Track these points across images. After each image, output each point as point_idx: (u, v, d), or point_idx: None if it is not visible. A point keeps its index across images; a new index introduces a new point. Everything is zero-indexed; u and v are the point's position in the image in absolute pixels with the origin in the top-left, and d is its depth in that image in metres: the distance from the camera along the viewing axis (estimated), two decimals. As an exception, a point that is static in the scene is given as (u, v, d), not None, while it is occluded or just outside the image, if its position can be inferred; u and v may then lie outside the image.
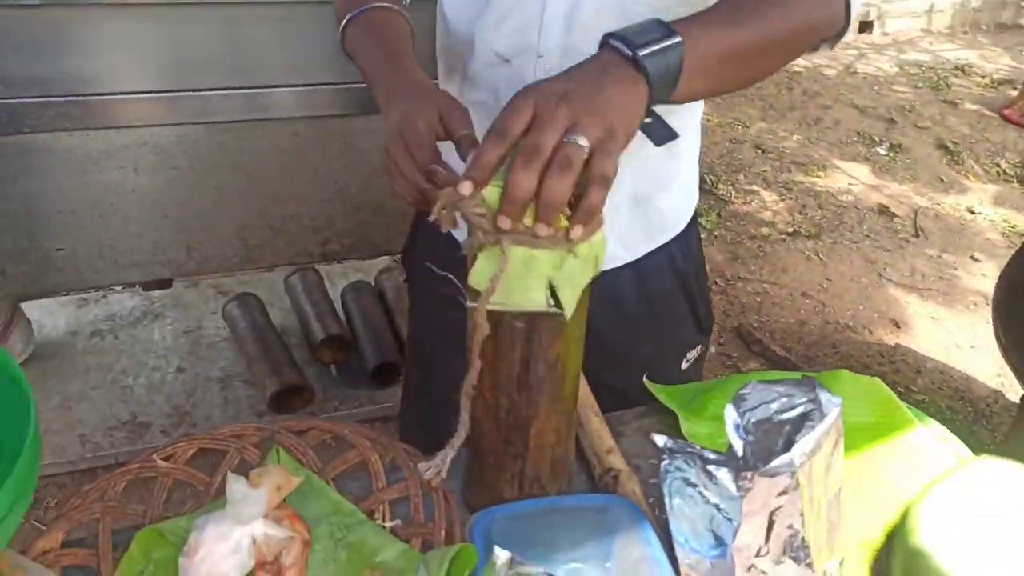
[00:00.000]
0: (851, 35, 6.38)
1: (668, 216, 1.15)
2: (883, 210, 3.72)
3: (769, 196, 3.81)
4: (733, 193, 3.78)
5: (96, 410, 2.09)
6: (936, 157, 4.31)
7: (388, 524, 0.79)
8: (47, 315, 2.38)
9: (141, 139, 1.61)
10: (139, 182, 1.65)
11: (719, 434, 1.02)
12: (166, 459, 0.83)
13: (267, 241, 1.81)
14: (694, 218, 1.21)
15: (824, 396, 0.73)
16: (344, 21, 0.95)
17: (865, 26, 6.30)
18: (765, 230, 3.50)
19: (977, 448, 1.04)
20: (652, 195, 1.11)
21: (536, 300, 0.67)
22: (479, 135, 1.01)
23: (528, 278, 0.66)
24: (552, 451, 0.83)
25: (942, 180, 4.06)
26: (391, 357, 2.24)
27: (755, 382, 0.75)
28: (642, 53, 0.67)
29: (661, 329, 1.22)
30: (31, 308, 2.32)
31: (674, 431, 1.02)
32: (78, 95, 1.53)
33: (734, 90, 0.84)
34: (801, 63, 5.56)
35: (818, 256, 3.34)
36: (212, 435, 0.86)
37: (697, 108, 1.13)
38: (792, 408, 0.74)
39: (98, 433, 2.03)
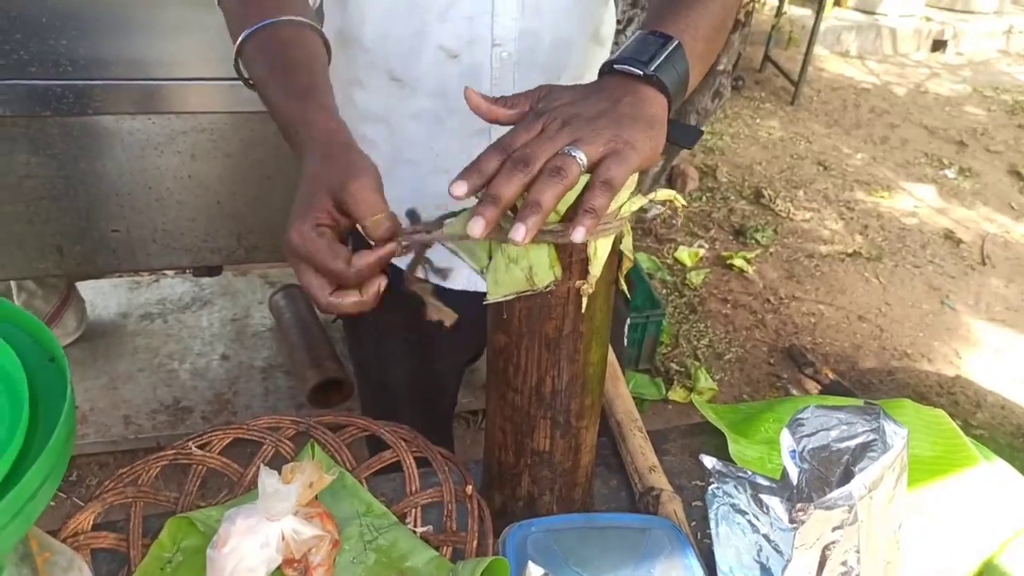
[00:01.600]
0: (923, 54, 6.20)
1: None
2: (949, 235, 3.58)
3: (829, 214, 3.70)
4: (791, 209, 3.68)
5: (141, 392, 2.12)
6: (1007, 183, 4.14)
7: (419, 529, 0.77)
8: (100, 296, 2.42)
9: (200, 126, 1.62)
10: (195, 168, 1.66)
11: (769, 458, 0.98)
12: (202, 447, 0.82)
13: (317, 233, 1.81)
14: None
15: (889, 426, 0.69)
16: (241, 37, 0.75)
17: (939, 45, 6.10)
18: (823, 249, 3.40)
19: None
20: None
21: (517, 279, 0.65)
22: (423, 148, 0.97)
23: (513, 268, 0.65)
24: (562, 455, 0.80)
25: (1012, 207, 3.90)
26: (433, 357, 2.22)
27: (814, 407, 0.71)
28: (654, 67, 0.66)
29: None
30: (85, 288, 2.37)
31: (721, 452, 0.98)
32: (143, 79, 1.54)
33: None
34: (869, 80, 5.41)
35: (878, 279, 3.23)
36: (248, 426, 0.84)
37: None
38: (853, 437, 0.69)
39: (142, 415, 2.06)
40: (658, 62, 0.66)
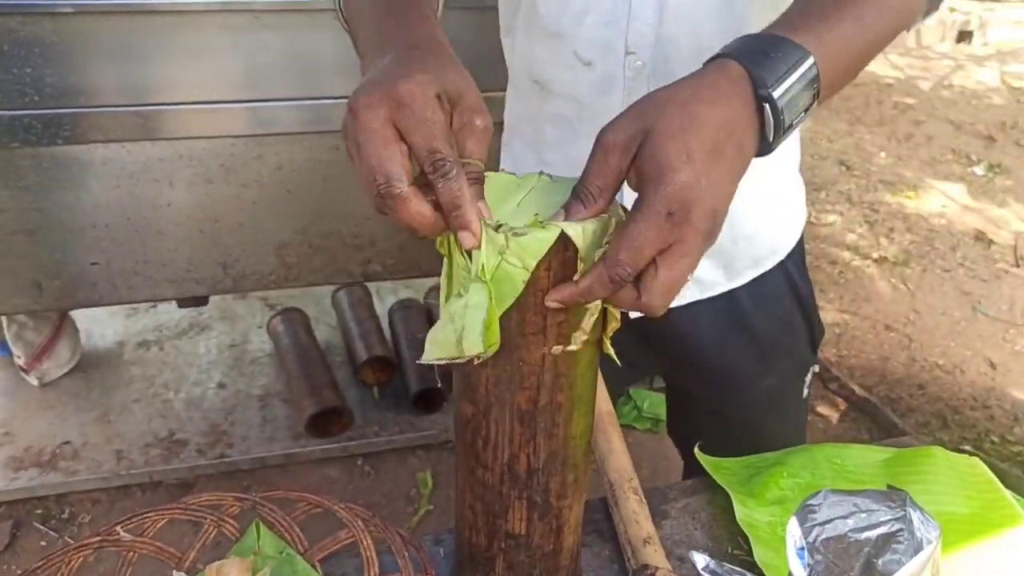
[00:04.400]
0: (948, 45, 6.00)
1: (776, 238, 1.03)
2: (980, 236, 3.42)
3: (853, 217, 3.56)
4: (813, 212, 3.54)
5: (135, 425, 2.05)
6: (1041, 178, 3.97)
7: (373, 627, 0.67)
8: (96, 324, 2.36)
9: (176, 152, 1.54)
10: (174, 196, 1.58)
11: (781, 522, 0.87)
12: (133, 531, 0.73)
13: (305, 259, 1.72)
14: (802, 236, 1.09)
15: (917, 516, 0.58)
16: None
17: (964, 36, 5.90)
18: (847, 254, 3.26)
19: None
20: (758, 227, 0.99)
21: (447, 341, 0.55)
22: (559, 153, 0.93)
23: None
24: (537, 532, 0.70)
25: (1047, 204, 3.73)
26: (435, 383, 2.13)
27: (827, 491, 0.60)
28: (778, 90, 0.53)
29: (784, 355, 1.10)
30: (81, 316, 2.31)
31: (728, 514, 0.87)
32: (114, 106, 1.47)
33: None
34: (892, 74, 5.23)
35: (905, 285, 3.08)
36: (186, 504, 0.75)
37: None
38: (875, 526, 0.58)
39: (134, 449, 1.99)
40: (784, 86, 0.53)
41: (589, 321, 0.58)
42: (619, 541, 0.83)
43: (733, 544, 0.85)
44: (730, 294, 1.01)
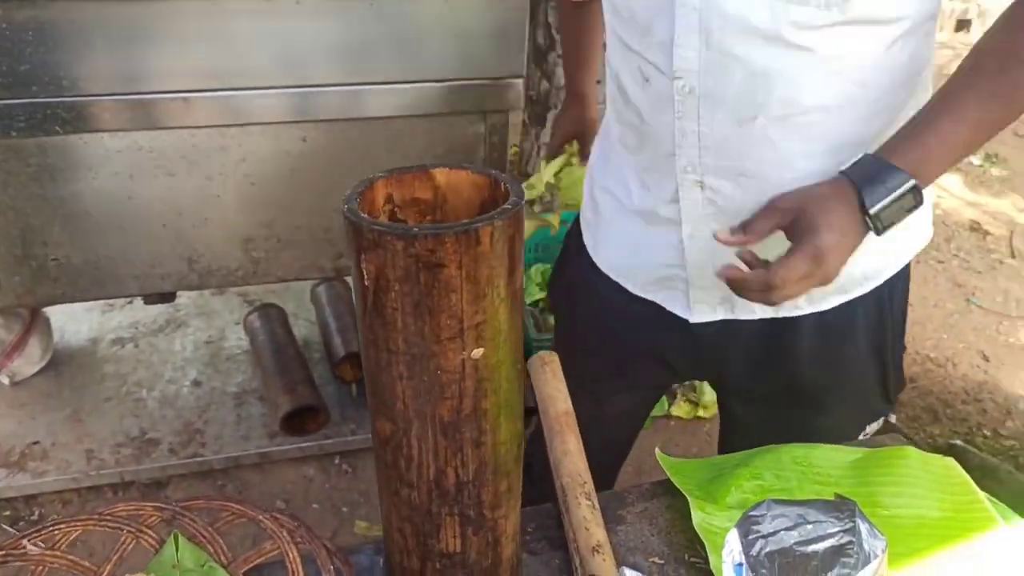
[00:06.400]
0: (946, 35, 5.93)
1: (868, 264, 0.94)
2: (975, 227, 3.37)
3: (845, 208, 3.50)
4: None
5: (106, 424, 2.01)
6: (1038, 168, 3.91)
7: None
8: (71, 320, 2.32)
9: (136, 144, 1.49)
10: (135, 189, 1.53)
11: (741, 529, 0.82)
12: (44, 543, 0.69)
13: (274, 254, 1.67)
14: (907, 264, 1.00)
15: (864, 527, 0.53)
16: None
17: (962, 24, 5.83)
18: (839, 246, 3.20)
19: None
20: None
21: None
22: (627, 156, 1.02)
23: None
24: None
25: (1044, 194, 3.68)
26: (414, 378, 2.08)
27: (771, 501, 0.55)
28: (875, 209, 0.77)
29: (844, 398, 1.03)
30: (56, 312, 2.26)
31: (688, 519, 0.82)
32: (71, 96, 1.42)
33: None
34: (888, 64, 5.17)
35: (898, 277, 3.03)
36: (101, 515, 0.71)
37: None
38: (822, 539, 0.54)
39: (105, 449, 1.94)
40: (880, 206, 0.77)
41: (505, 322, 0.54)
42: (569, 550, 0.79)
43: (690, 551, 0.81)
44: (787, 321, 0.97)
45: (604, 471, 1.24)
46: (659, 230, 0.97)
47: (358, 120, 1.58)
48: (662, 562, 0.80)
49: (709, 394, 2.38)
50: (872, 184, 0.77)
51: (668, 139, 0.89)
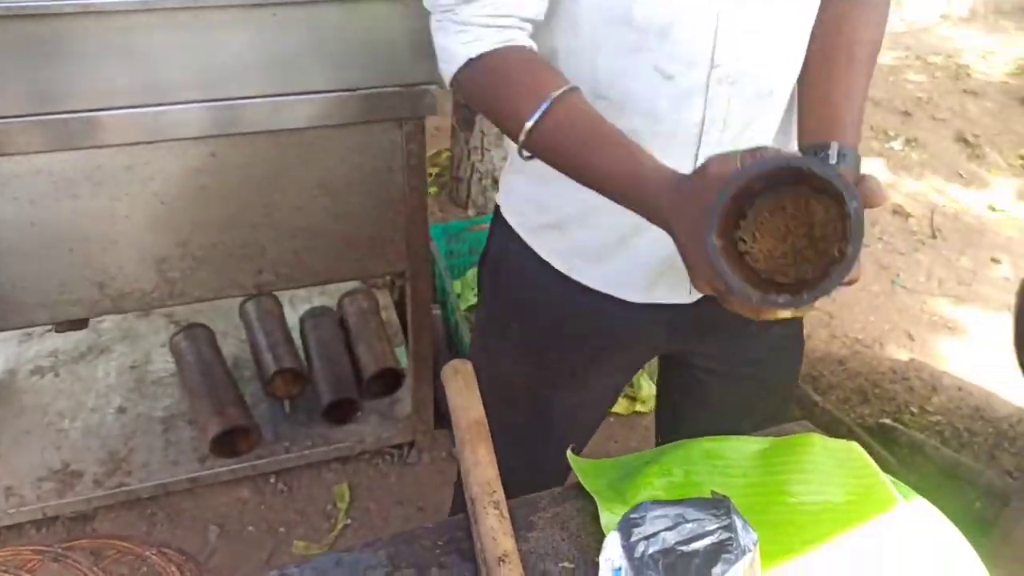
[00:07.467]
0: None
1: None
2: (898, 210, 3.47)
3: (773, 198, 3.57)
4: (735, 196, 3.55)
5: (26, 458, 1.93)
6: (954, 151, 4.04)
7: None
8: (-14, 352, 2.23)
9: (35, 167, 1.44)
10: (37, 215, 1.48)
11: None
12: (-86, 595, 0.65)
13: (190, 273, 1.63)
14: None
15: (739, 523, 0.53)
16: (526, 128, 0.79)
17: None
18: (768, 235, 3.27)
19: (970, 526, 0.84)
20: None
21: None
22: None
23: None
24: None
25: (961, 175, 3.80)
26: (348, 393, 2.05)
27: (649, 503, 0.55)
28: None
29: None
30: (-31, 345, 2.18)
31: (598, 521, 0.82)
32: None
33: None
34: (810, 55, 5.30)
35: (825, 262, 3.10)
36: (-23, 561, 0.67)
37: None
38: (702, 536, 0.54)
39: (26, 484, 1.87)
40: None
41: None
42: (476, 561, 0.78)
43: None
44: None
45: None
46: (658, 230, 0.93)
47: (269, 133, 1.55)
48: (573, 566, 0.80)
49: (647, 389, 2.40)
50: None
51: (688, 132, 0.89)
